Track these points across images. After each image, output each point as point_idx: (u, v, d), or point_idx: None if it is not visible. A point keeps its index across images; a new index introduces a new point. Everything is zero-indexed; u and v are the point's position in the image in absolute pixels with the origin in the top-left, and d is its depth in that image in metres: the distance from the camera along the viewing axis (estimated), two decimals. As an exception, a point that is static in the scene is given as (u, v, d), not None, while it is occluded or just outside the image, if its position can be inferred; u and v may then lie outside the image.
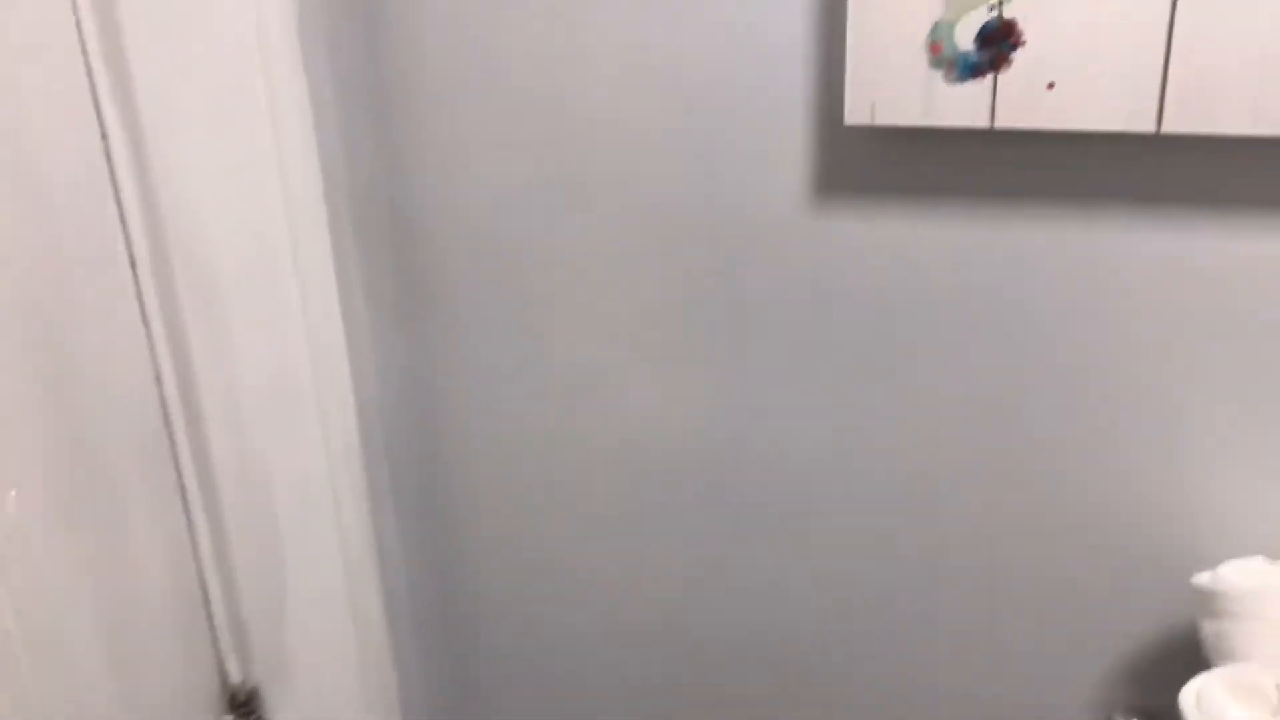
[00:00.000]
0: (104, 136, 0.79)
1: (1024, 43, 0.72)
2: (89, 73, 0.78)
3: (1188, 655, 0.80)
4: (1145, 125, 0.71)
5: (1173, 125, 0.71)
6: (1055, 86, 0.72)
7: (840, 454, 0.91)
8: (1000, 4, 0.71)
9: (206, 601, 0.95)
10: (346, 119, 0.91)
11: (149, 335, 0.86)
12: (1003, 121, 0.74)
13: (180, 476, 0.91)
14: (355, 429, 0.98)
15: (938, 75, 0.74)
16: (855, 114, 0.77)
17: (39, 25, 0.73)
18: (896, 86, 0.75)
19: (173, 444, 0.90)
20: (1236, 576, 0.78)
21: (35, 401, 0.74)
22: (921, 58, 0.74)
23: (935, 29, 0.73)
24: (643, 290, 0.91)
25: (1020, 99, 0.73)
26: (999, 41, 0.72)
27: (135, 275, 0.84)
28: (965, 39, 0.73)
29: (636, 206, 0.88)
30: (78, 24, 0.77)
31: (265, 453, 0.93)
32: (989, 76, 0.73)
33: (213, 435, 0.91)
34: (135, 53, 0.78)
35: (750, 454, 0.94)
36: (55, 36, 0.75)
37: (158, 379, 0.87)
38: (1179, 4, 0.68)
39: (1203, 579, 0.79)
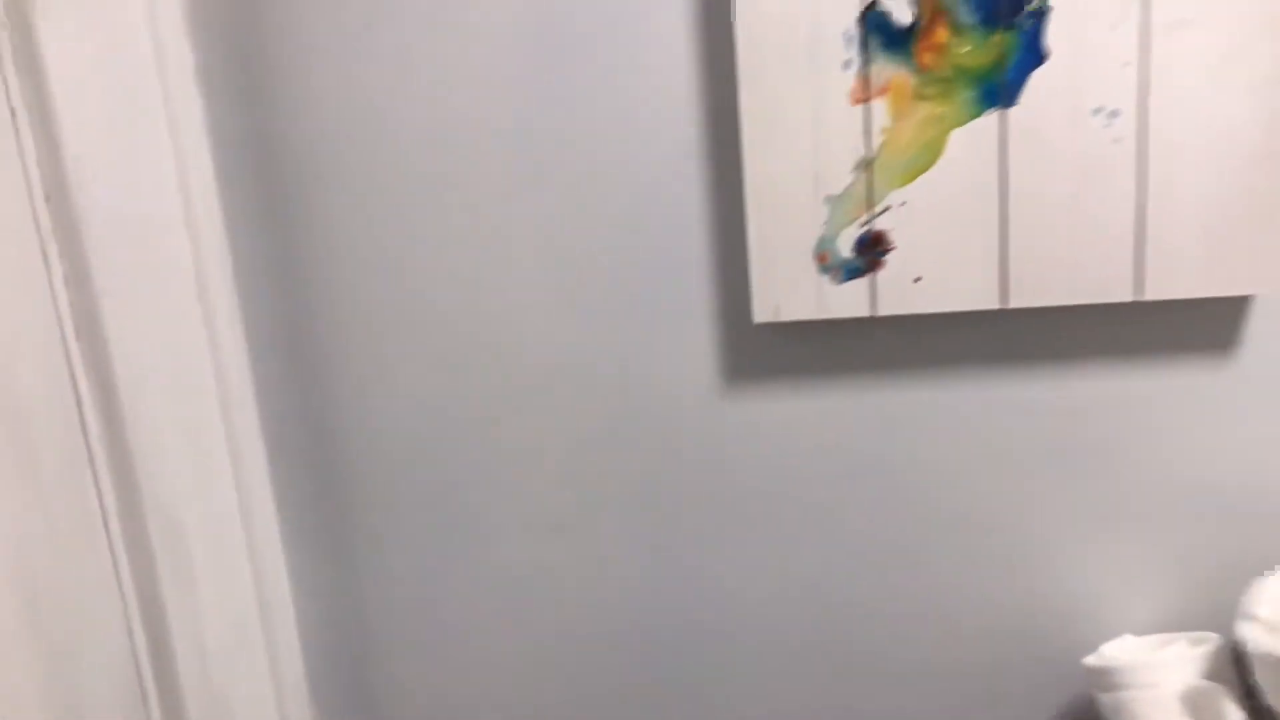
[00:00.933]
0: (79, 404, 0.84)
1: (893, 247, 0.88)
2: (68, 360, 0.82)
3: (1091, 731, 0.95)
4: (993, 304, 0.89)
5: (1015, 302, 0.89)
6: (921, 280, 0.89)
7: (762, 606, 1.02)
8: (871, 219, 0.88)
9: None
10: (280, 363, 0.98)
11: (120, 585, 0.88)
12: (882, 310, 0.90)
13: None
14: (301, 664, 1.03)
15: (826, 278, 0.89)
16: (762, 314, 0.91)
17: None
18: (793, 290, 0.90)
19: (143, 690, 0.92)
20: (1120, 654, 0.94)
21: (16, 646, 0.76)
22: (812, 266, 0.89)
23: (820, 242, 0.89)
24: (572, 483, 1.00)
25: (894, 292, 0.89)
26: (872, 249, 0.88)
27: (106, 527, 0.87)
28: (846, 248, 0.89)
29: (561, 408, 0.98)
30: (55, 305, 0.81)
31: (226, 692, 0.96)
32: (868, 276, 0.89)
33: (182, 676, 0.93)
34: (113, 329, 0.83)
35: (683, 626, 1.03)
36: (37, 318, 0.79)
37: (128, 628, 0.90)
38: (1010, 209, 0.86)
39: (1093, 659, 0.94)
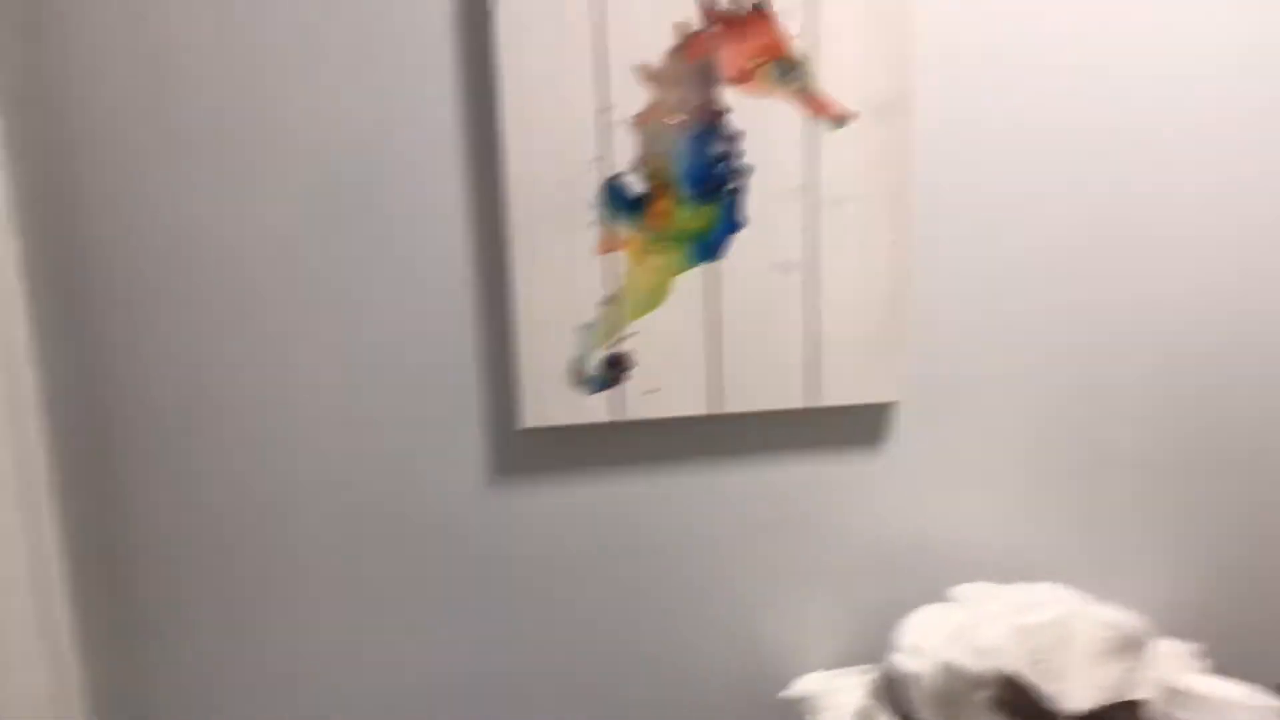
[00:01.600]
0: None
1: (632, 366, 1.11)
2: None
3: (791, 750, 1.19)
4: (708, 410, 1.13)
5: (726, 408, 1.13)
6: (654, 391, 1.12)
7: (535, 672, 1.20)
8: (614, 344, 1.10)
9: None
10: (76, 462, 1.07)
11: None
12: (626, 416, 1.12)
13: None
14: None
15: (580, 391, 1.10)
16: (527, 420, 1.10)
17: None
18: (553, 400, 1.10)
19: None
20: (807, 686, 1.18)
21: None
22: (567, 380, 1.10)
23: (575, 361, 1.10)
24: (352, 579, 1.14)
25: (634, 401, 1.11)
26: (616, 367, 1.11)
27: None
28: (594, 367, 1.10)
29: (342, 508, 1.13)
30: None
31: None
32: (612, 389, 1.11)
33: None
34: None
35: (462, 705, 1.19)
36: None
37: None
38: (719, 336, 1.11)
39: (788, 693, 1.18)
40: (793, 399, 1.14)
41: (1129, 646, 1.06)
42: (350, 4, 1.02)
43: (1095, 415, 1.20)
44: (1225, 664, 1.20)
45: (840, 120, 1.07)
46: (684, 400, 1.12)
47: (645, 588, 1.19)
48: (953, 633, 1.05)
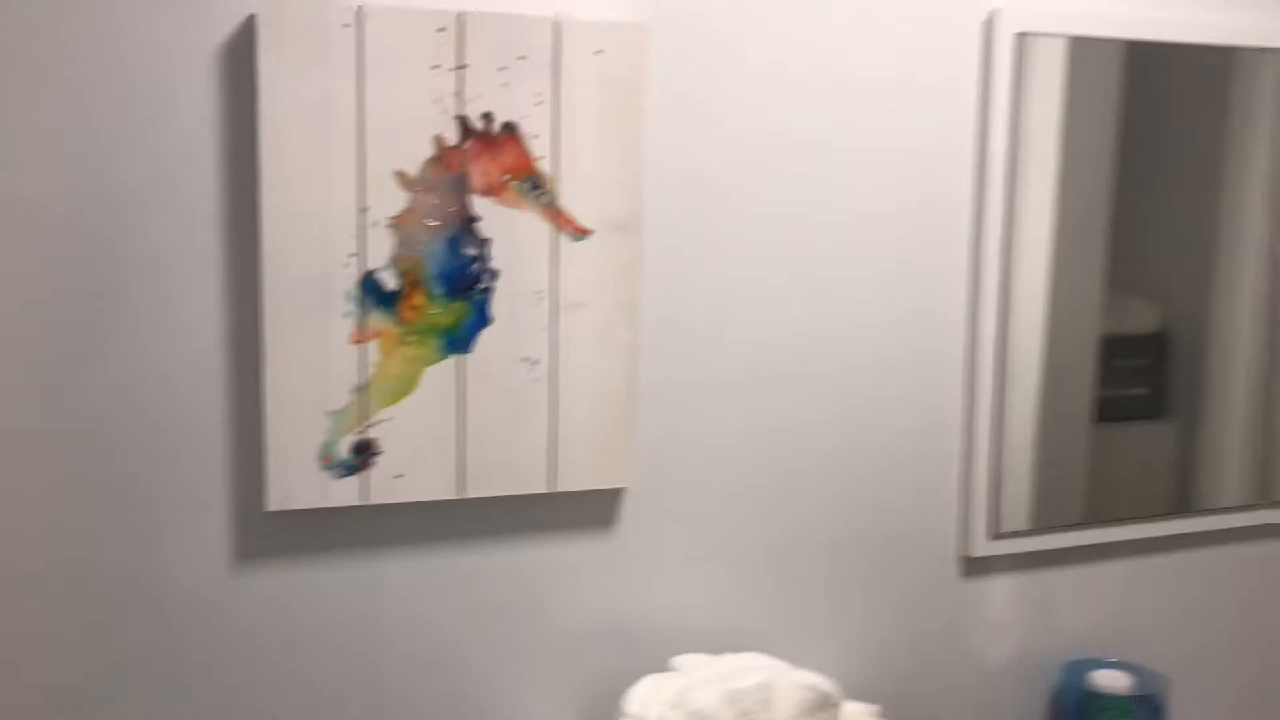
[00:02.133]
0: None
1: (381, 451, 1.16)
2: None
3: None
4: (454, 494, 1.20)
5: (470, 493, 1.21)
6: (402, 476, 1.18)
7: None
8: (364, 430, 1.15)
9: None
10: None
11: None
12: (373, 500, 1.17)
13: None
14: None
15: (328, 474, 1.15)
16: (275, 503, 1.13)
17: None
18: (301, 483, 1.14)
19: None
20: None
21: None
22: (315, 464, 1.14)
23: (324, 446, 1.14)
24: (90, 666, 1.12)
25: (382, 485, 1.17)
26: (365, 452, 1.16)
27: None
28: (344, 451, 1.15)
29: (77, 596, 1.11)
30: None
31: None
32: (360, 474, 1.16)
33: None
34: None
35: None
36: None
37: None
38: (466, 425, 1.19)
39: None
40: (534, 485, 1.23)
41: (823, 705, 1.20)
42: (117, 94, 1.06)
43: (791, 500, 1.36)
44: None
45: (580, 234, 1.20)
46: (430, 485, 1.19)
47: (387, 669, 1.23)
48: (671, 699, 1.15)
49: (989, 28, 1.36)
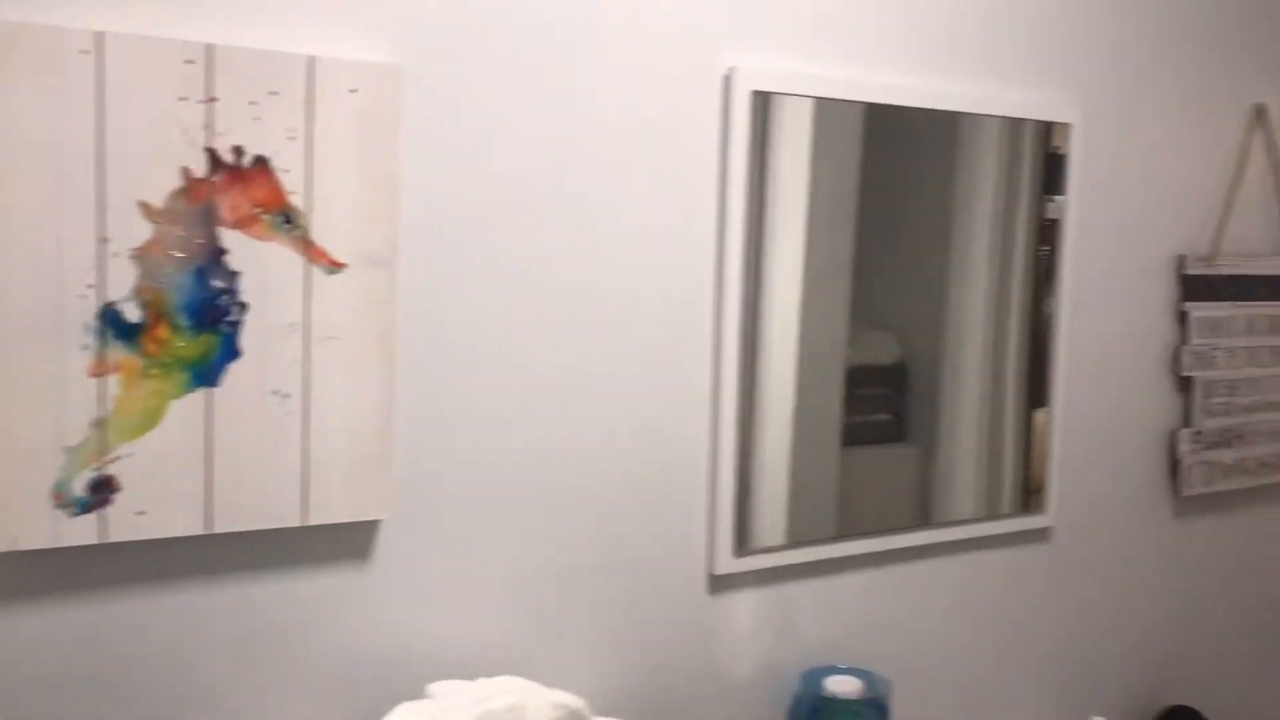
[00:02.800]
0: None
1: (122, 488, 1.13)
2: None
3: None
4: (201, 530, 1.18)
5: (219, 528, 1.19)
6: (145, 513, 1.15)
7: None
8: (103, 466, 1.12)
9: None
10: None
11: None
12: (113, 538, 1.13)
13: None
14: None
15: (62, 513, 1.11)
16: (1, 544, 1.08)
17: None
18: (30, 523, 1.09)
19: None
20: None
21: None
22: (48, 502, 1.10)
23: (57, 483, 1.10)
24: None
25: (122, 523, 1.14)
26: (103, 489, 1.13)
27: None
28: (79, 488, 1.11)
29: None
30: None
31: None
32: (98, 511, 1.12)
33: None
34: None
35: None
36: None
37: None
38: (213, 458, 1.18)
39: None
40: (287, 518, 1.22)
41: (574, 723, 1.25)
42: None
43: (548, 527, 1.42)
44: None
45: (334, 268, 1.21)
46: (176, 521, 1.17)
47: (146, 710, 1.19)
48: (425, 725, 1.17)
49: (727, 85, 1.47)
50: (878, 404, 1.74)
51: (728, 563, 1.54)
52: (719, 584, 1.55)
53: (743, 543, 1.55)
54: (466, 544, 1.36)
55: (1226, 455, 2.06)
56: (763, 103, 1.50)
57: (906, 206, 1.69)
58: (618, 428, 1.45)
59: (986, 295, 1.78)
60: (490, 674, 1.35)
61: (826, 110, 1.57)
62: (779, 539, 1.59)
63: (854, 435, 1.68)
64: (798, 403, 1.61)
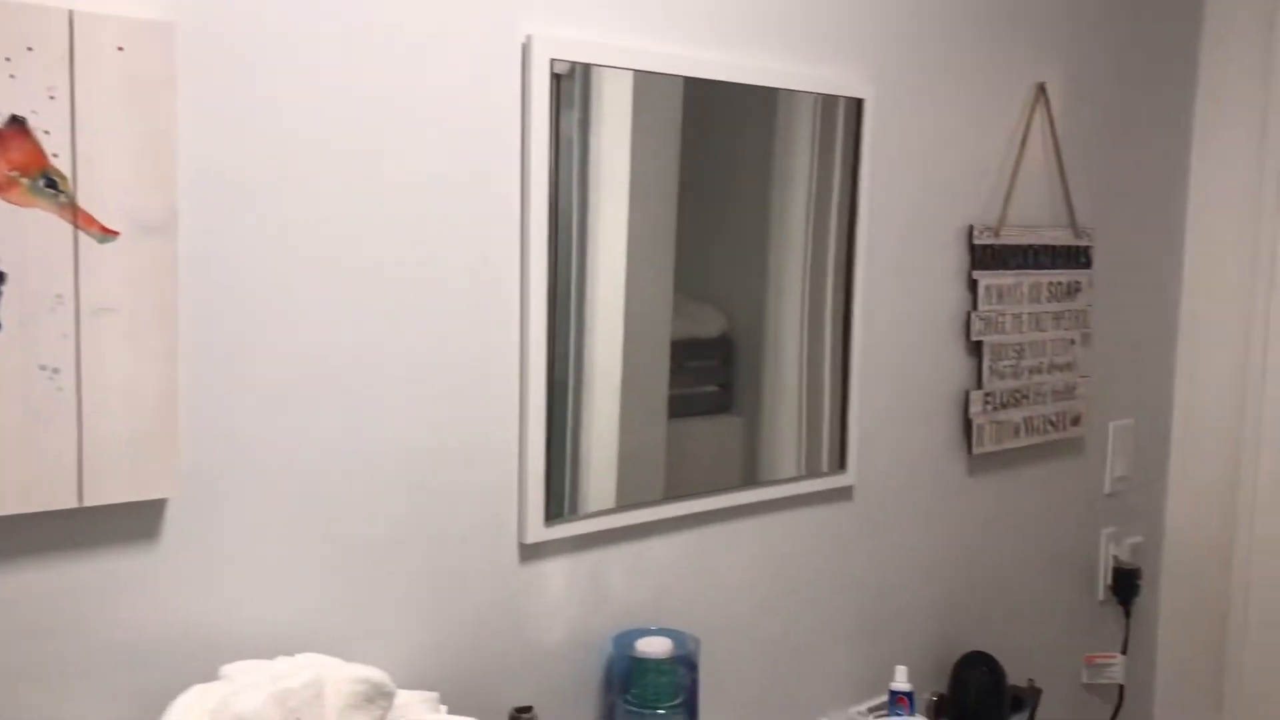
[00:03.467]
0: None
1: None
2: None
3: None
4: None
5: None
6: (-106, 498, 1.07)
7: None
8: None
9: None
10: None
11: None
12: None
13: None
14: None
15: None
16: None
17: None
18: None
19: None
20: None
21: None
22: None
23: None
24: None
25: None
26: None
27: None
28: None
29: None
30: None
31: None
32: None
33: None
34: None
35: None
36: None
37: None
38: None
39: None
40: (62, 500, 1.16)
41: (376, 697, 1.23)
42: None
43: (351, 500, 1.39)
44: (455, 704, 1.43)
45: (106, 235, 1.15)
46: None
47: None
48: (215, 707, 1.14)
49: (526, 54, 1.47)
50: (704, 375, 1.78)
51: (538, 531, 1.55)
52: (530, 553, 1.56)
53: (555, 512, 1.56)
54: (262, 520, 1.32)
55: (1014, 415, 2.20)
56: (580, 74, 1.51)
57: (728, 181, 1.73)
58: (421, 398, 1.43)
59: (804, 267, 1.84)
60: (291, 653, 1.31)
61: (646, 84, 1.58)
62: (596, 507, 1.61)
63: (681, 407, 1.71)
64: (625, 375, 1.63)
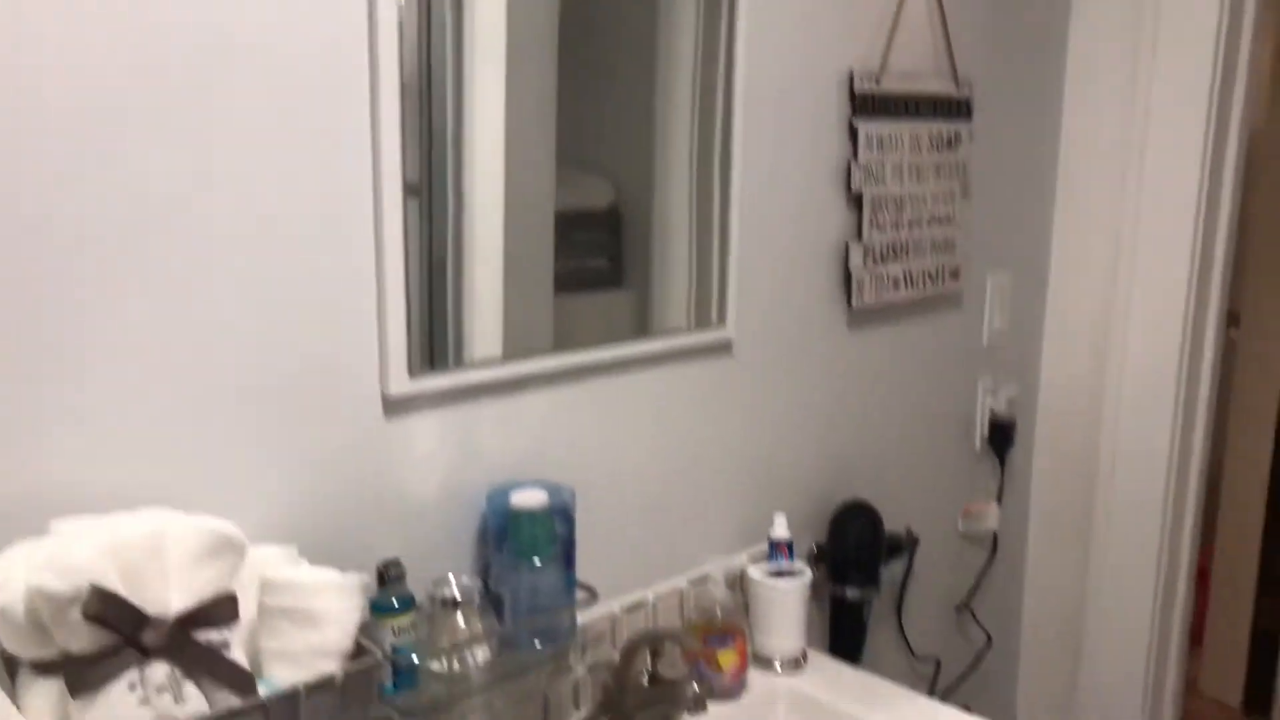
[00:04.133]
0: None
1: None
2: None
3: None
4: None
5: None
6: None
7: None
8: None
9: None
10: None
11: None
12: None
13: None
14: None
15: None
16: None
17: None
18: None
19: None
20: None
21: None
22: None
23: None
24: None
25: None
26: None
27: None
28: None
29: None
30: None
31: None
32: None
33: None
34: None
35: None
36: None
37: None
38: None
39: None
40: None
41: (224, 549, 1.17)
42: None
43: (198, 351, 1.31)
44: (319, 560, 1.39)
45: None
46: None
47: None
48: (43, 561, 1.07)
49: None
50: (592, 249, 1.72)
51: (402, 383, 1.48)
52: (395, 406, 1.50)
53: (421, 365, 1.50)
54: (97, 371, 1.23)
55: (894, 268, 2.20)
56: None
57: (611, 41, 1.64)
58: (270, 249, 1.34)
59: (692, 130, 1.77)
60: (133, 509, 1.24)
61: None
62: (469, 360, 1.55)
63: (568, 282, 1.66)
64: (507, 248, 1.57)
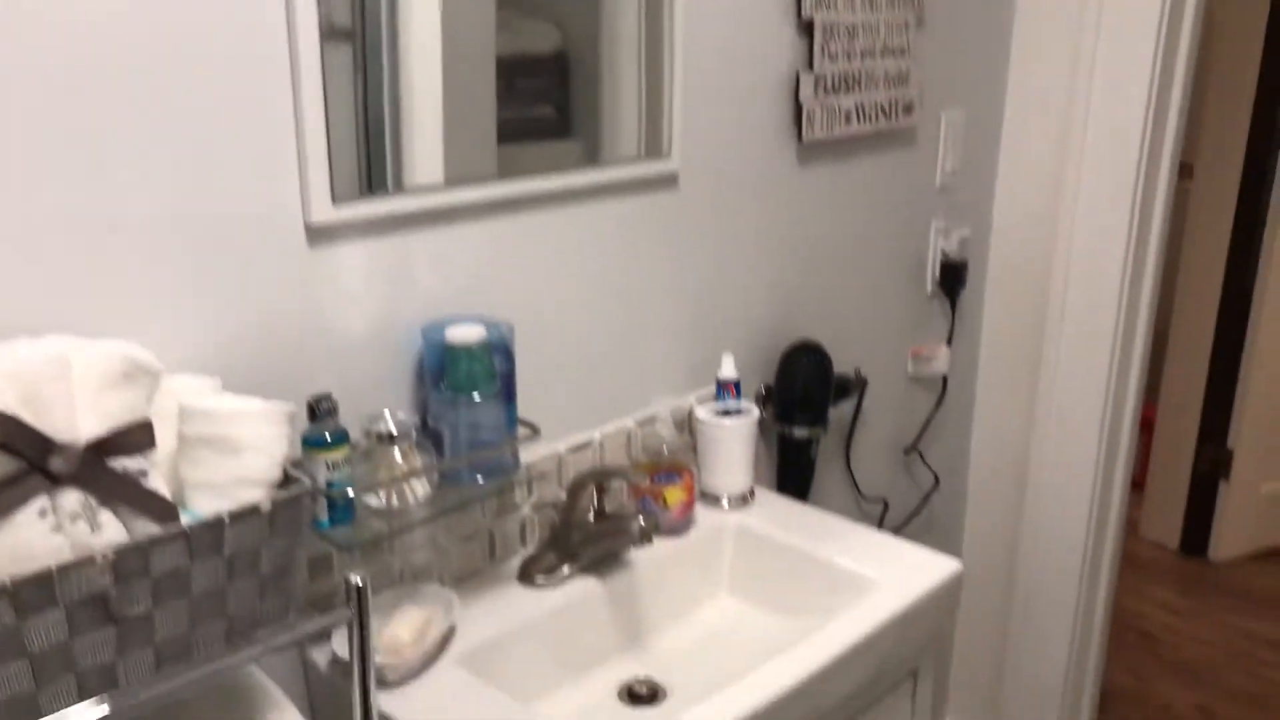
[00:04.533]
0: None
1: None
2: None
3: None
4: None
5: None
6: None
7: None
8: None
9: None
10: None
11: None
12: None
13: None
14: None
15: None
16: None
17: None
18: None
19: None
20: None
21: None
22: None
23: None
24: None
25: None
26: None
27: None
28: None
29: None
30: None
31: None
32: None
33: None
34: None
35: None
36: None
37: None
38: None
39: None
40: None
41: (136, 374, 1.11)
42: None
43: (101, 178, 1.22)
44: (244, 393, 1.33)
45: None
46: None
47: None
48: (-64, 385, 1.00)
49: None
50: (538, 97, 1.63)
51: (325, 211, 1.41)
52: (320, 235, 1.42)
53: (346, 192, 1.42)
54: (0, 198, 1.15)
55: (845, 100, 2.12)
56: None
57: None
58: (184, 78, 1.24)
59: None
60: (38, 335, 1.17)
61: None
62: (403, 188, 1.48)
63: (513, 131, 1.57)
64: (446, 96, 1.47)
